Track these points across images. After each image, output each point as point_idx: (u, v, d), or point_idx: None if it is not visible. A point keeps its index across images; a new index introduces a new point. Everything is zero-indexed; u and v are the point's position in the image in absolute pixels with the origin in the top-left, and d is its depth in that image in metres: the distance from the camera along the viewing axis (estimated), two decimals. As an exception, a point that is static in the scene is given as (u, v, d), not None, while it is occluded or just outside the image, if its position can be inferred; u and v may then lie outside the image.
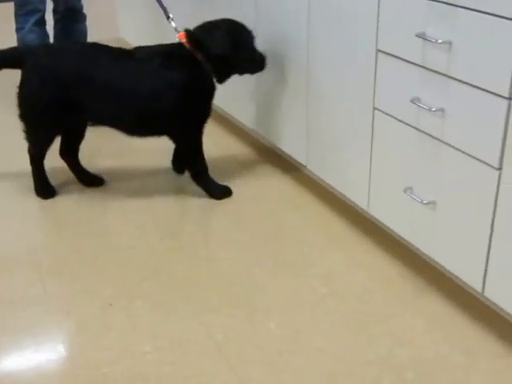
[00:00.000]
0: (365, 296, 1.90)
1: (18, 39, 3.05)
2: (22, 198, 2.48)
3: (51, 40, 3.18)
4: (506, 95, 1.50)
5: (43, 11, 3.03)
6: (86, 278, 2.00)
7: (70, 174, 2.55)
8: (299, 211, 2.36)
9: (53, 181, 2.50)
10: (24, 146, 2.41)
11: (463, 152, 1.65)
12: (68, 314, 1.85)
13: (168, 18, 2.48)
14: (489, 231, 1.62)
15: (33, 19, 3.02)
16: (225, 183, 2.50)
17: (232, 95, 2.83)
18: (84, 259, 2.10)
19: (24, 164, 2.46)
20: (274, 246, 2.15)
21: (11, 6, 3.08)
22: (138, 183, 2.58)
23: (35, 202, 2.45)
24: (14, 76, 2.31)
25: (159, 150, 2.66)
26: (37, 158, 2.43)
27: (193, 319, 1.82)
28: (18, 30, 3.05)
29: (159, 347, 1.71)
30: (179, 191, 2.52)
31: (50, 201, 2.45)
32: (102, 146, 2.89)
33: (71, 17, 3.13)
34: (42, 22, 3.04)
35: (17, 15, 3.03)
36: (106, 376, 1.62)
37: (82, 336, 1.77)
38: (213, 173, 2.44)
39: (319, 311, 1.84)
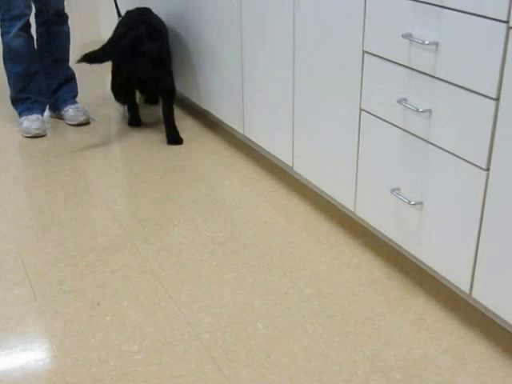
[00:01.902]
0: (352, 297, 1.86)
1: (4, 44, 2.99)
2: (5, 195, 2.44)
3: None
4: (494, 96, 1.47)
5: (29, 16, 2.97)
6: (73, 279, 1.96)
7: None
8: (286, 213, 2.32)
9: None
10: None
11: (451, 153, 1.62)
12: (55, 314, 1.81)
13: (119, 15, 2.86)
14: (477, 232, 1.59)
15: (19, 24, 2.95)
16: (208, 183, 2.46)
17: (221, 100, 2.80)
18: (70, 259, 2.05)
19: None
20: (260, 248, 2.11)
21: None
22: (126, 178, 2.54)
23: (20, 201, 2.41)
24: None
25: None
26: None
27: (179, 319, 1.78)
28: (3, 34, 2.97)
29: (146, 347, 1.67)
30: (169, 194, 2.48)
31: (34, 200, 2.40)
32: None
33: (54, 19, 3.07)
34: (27, 26, 2.98)
35: (2, 20, 2.95)
36: (93, 375, 1.58)
37: (69, 336, 1.72)
38: (198, 173, 2.40)
39: (306, 312, 1.80)
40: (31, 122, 3.00)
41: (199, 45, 2.91)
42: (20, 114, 3.06)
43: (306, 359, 1.63)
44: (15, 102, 3.08)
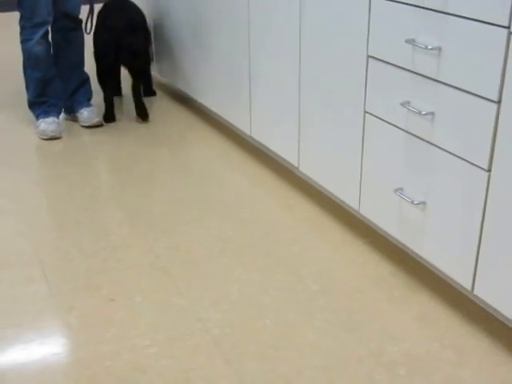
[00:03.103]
0: (357, 294, 1.86)
1: (25, 50, 2.98)
2: (22, 195, 2.44)
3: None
4: (495, 99, 1.46)
5: (50, 23, 2.98)
6: (87, 275, 1.96)
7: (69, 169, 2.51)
8: (292, 211, 2.32)
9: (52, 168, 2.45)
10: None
11: (453, 154, 1.61)
12: (70, 310, 1.81)
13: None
14: (478, 231, 1.58)
15: (41, 32, 2.94)
16: (217, 184, 2.47)
17: (227, 101, 2.80)
18: (85, 257, 2.06)
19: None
20: (267, 246, 2.11)
21: (11, 15, 3.04)
22: (137, 178, 2.55)
23: (35, 199, 2.41)
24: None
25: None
26: None
27: (190, 314, 1.78)
28: (24, 41, 2.97)
29: (158, 341, 1.67)
30: (176, 197, 2.48)
31: (50, 199, 2.41)
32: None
33: (71, 25, 3.07)
34: (47, 34, 2.99)
35: (24, 27, 2.95)
36: (108, 368, 1.59)
37: (84, 330, 1.73)
38: (206, 174, 2.40)
39: (312, 308, 1.80)
40: (48, 124, 3.01)
41: (207, 48, 2.91)
42: (37, 117, 3.06)
43: (312, 354, 1.63)
44: (32, 105, 3.09)
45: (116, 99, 3.35)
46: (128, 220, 2.28)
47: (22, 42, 2.97)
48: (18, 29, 2.96)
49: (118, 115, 3.25)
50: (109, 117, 3.18)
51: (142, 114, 3.18)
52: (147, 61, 3.25)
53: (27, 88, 3.07)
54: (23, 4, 2.89)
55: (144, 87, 3.44)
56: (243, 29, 2.55)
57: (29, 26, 2.92)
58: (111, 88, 3.19)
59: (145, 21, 3.22)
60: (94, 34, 3.08)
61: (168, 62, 3.43)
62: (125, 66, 3.17)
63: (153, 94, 3.55)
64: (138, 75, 3.16)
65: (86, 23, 3.10)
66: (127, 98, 3.37)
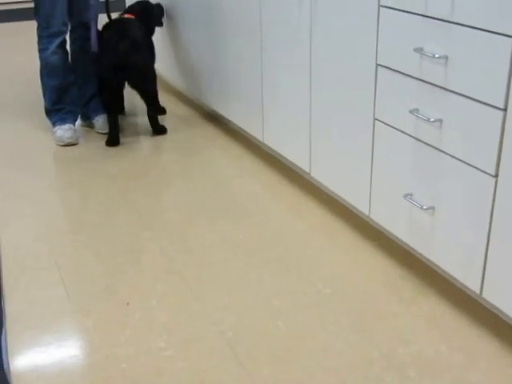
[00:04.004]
0: (367, 297, 1.87)
1: (42, 59, 3.02)
2: (40, 199, 2.47)
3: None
4: (501, 106, 1.47)
5: (66, 33, 3.01)
6: (103, 279, 1.98)
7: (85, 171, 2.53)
8: (304, 216, 2.33)
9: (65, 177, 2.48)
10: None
11: (461, 160, 1.62)
12: (87, 313, 1.83)
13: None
14: (486, 235, 1.59)
15: (57, 41, 2.98)
16: (230, 189, 2.49)
17: (240, 108, 2.82)
18: (101, 261, 2.08)
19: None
20: (279, 250, 2.12)
21: (29, 24, 3.07)
22: (152, 183, 2.57)
23: (52, 203, 2.44)
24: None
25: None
26: None
27: (204, 318, 1.80)
28: (41, 50, 3.01)
29: (173, 344, 1.69)
30: (189, 203, 2.50)
31: (67, 204, 2.44)
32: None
33: (87, 35, 3.10)
34: (64, 43, 3.02)
35: (41, 36, 2.99)
36: (123, 371, 1.61)
37: (100, 333, 1.75)
38: (220, 179, 2.41)
39: (324, 311, 1.81)
40: (64, 131, 3.04)
41: (220, 55, 2.93)
42: (54, 124, 3.10)
43: (324, 356, 1.64)
44: (49, 112, 3.13)
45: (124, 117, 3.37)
46: (143, 224, 2.31)
47: (40, 50, 3.01)
48: (35, 38, 3.00)
49: (132, 123, 3.28)
50: (112, 140, 3.03)
51: (159, 133, 3.14)
52: (154, 78, 3.17)
53: (44, 95, 3.11)
54: (39, 14, 2.94)
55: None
56: (255, 37, 2.57)
57: (45, 35, 2.97)
58: (115, 110, 3.03)
59: (147, 38, 3.19)
60: (96, 55, 2.98)
61: (179, 69, 3.46)
62: (133, 86, 3.05)
63: (162, 112, 3.40)
64: (148, 96, 3.07)
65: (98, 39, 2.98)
66: (140, 106, 3.39)
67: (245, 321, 1.78)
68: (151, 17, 3.32)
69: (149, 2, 3.34)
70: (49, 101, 3.10)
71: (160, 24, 3.47)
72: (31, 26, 3.20)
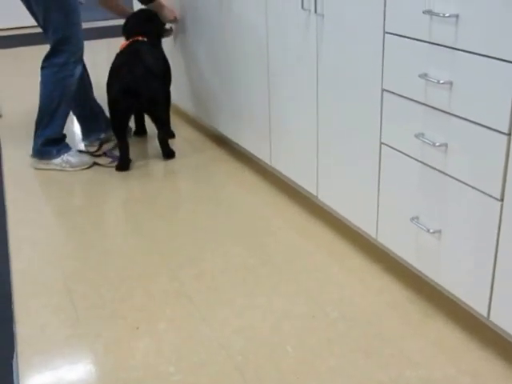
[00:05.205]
0: (375, 320, 1.87)
1: (65, 87, 2.95)
2: (49, 225, 2.49)
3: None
4: (506, 131, 1.49)
5: None
6: (113, 303, 1.99)
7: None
8: (312, 239, 2.34)
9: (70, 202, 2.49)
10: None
11: (467, 184, 1.63)
12: (97, 337, 1.84)
13: None
14: (493, 259, 1.59)
15: (80, 66, 2.99)
16: (239, 212, 2.50)
17: (248, 132, 2.84)
18: (111, 285, 2.09)
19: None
20: (288, 273, 2.13)
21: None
22: (162, 207, 2.59)
23: (61, 228, 2.46)
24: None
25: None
26: None
27: (213, 342, 1.80)
28: (66, 77, 2.93)
29: (182, 368, 1.69)
30: (198, 231, 2.52)
31: (77, 229, 2.46)
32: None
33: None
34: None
35: (67, 63, 2.92)
36: (132, 396, 1.61)
37: (110, 357, 1.75)
38: (228, 202, 2.41)
39: (332, 334, 1.81)
40: (79, 155, 3.08)
41: (229, 80, 2.96)
42: (58, 152, 3.04)
43: (332, 380, 1.63)
44: (55, 141, 3.04)
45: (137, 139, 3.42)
46: (153, 248, 2.32)
47: (64, 78, 2.94)
48: (37, 64, 3.00)
49: (142, 148, 3.31)
50: (123, 165, 3.05)
51: (169, 157, 3.16)
52: (167, 104, 3.20)
53: (50, 125, 3.00)
54: (71, 40, 2.90)
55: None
56: (263, 63, 2.60)
57: (72, 61, 2.93)
58: (124, 135, 3.01)
59: (161, 60, 3.17)
60: (108, 82, 2.97)
61: (188, 92, 3.49)
62: (145, 113, 3.09)
63: (171, 136, 3.41)
64: (159, 121, 3.06)
65: None
66: (150, 128, 3.42)
67: (254, 345, 1.78)
68: (159, 27, 3.29)
69: (151, 11, 3.29)
70: (60, 129, 3.03)
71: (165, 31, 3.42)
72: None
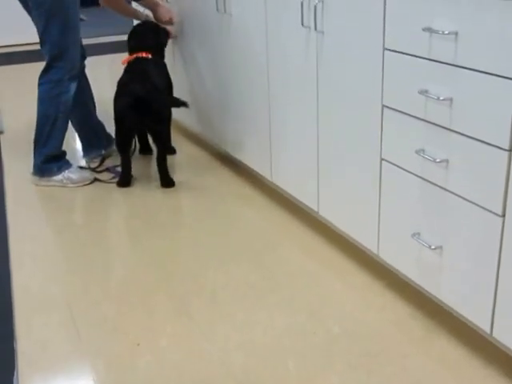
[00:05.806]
0: (377, 336, 1.86)
1: (61, 103, 2.95)
2: (50, 240, 2.49)
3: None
4: (507, 147, 1.49)
5: None
6: (114, 320, 1.99)
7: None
8: (312, 255, 2.34)
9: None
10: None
11: (468, 200, 1.63)
12: (98, 354, 1.83)
13: None
14: (495, 274, 1.59)
15: (76, 83, 2.99)
16: (239, 229, 2.51)
17: (250, 149, 2.85)
18: (112, 301, 2.09)
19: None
20: (289, 289, 2.12)
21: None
22: (163, 224, 2.59)
23: (65, 246, 2.46)
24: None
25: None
26: None
27: (214, 358, 1.79)
28: (61, 94, 2.94)
29: (183, 386, 1.69)
30: (199, 246, 2.51)
31: (78, 245, 2.46)
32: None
33: (83, 72, 3.13)
34: None
35: (62, 80, 2.93)
36: (133, 414, 1.60)
37: (111, 374, 1.74)
38: (229, 218, 2.41)
39: (334, 351, 1.81)
40: (80, 171, 3.09)
41: (230, 97, 2.97)
42: (59, 169, 3.04)
43: (334, 397, 1.63)
44: (54, 158, 3.04)
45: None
46: (154, 265, 2.31)
47: (59, 95, 2.94)
48: (33, 81, 3.00)
49: (144, 165, 3.32)
50: (124, 181, 3.05)
51: (168, 186, 3.04)
52: (168, 121, 3.19)
53: (49, 142, 3.00)
54: (66, 57, 2.90)
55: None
56: (263, 80, 2.61)
57: (67, 78, 2.94)
58: (128, 150, 3.01)
59: (164, 75, 3.20)
60: (116, 97, 2.97)
61: (190, 110, 3.50)
62: (148, 130, 3.07)
63: (172, 152, 3.43)
64: (161, 138, 3.02)
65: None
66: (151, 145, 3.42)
67: (255, 361, 1.77)
68: (163, 39, 3.28)
69: (154, 24, 3.29)
70: (59, 146, 3.03)
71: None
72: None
